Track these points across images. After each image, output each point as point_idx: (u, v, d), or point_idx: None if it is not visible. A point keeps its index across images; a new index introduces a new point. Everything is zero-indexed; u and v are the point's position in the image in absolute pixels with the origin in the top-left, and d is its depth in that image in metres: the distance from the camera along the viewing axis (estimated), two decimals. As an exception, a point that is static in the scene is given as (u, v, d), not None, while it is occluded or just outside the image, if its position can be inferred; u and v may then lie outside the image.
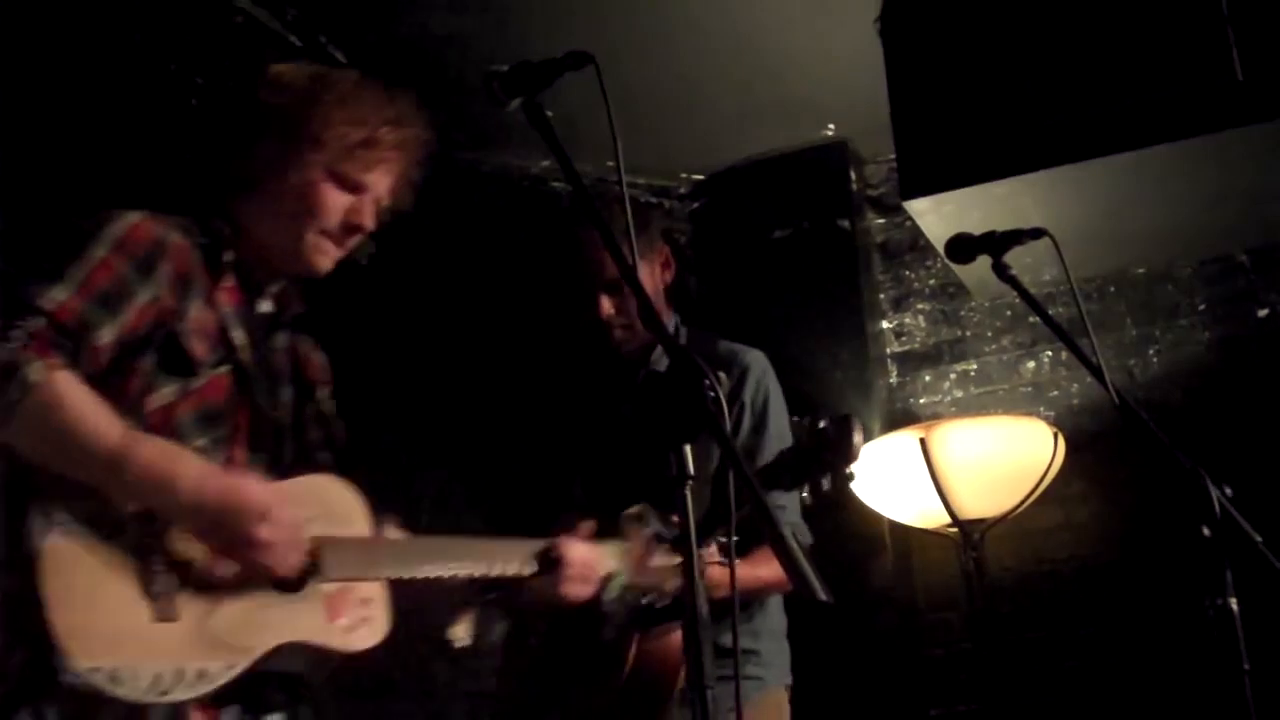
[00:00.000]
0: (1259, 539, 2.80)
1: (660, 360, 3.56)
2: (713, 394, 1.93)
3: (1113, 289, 5.39)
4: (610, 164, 2.20)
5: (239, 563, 2.37)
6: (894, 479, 4.85)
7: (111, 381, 2.41)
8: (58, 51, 4.03)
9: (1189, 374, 5.21)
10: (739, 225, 5.84)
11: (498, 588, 2.89)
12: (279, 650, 2.42)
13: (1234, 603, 2.72)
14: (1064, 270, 3.07)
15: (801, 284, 5.63)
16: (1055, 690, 5.00)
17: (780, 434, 3.48)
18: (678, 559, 2.95)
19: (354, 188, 2.69)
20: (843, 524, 5.03)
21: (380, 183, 2.74)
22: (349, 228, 2.70)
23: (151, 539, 2.33)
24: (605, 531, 3.01)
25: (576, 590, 2.88)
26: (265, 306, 2.72)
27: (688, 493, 1.88)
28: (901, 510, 4.95)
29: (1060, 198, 4.64)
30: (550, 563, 2.85)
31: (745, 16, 4.87)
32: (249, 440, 2.57)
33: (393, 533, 2.74)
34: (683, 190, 5.95)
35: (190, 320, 2.51)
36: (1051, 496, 4.92)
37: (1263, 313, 5.17)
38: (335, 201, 2.67)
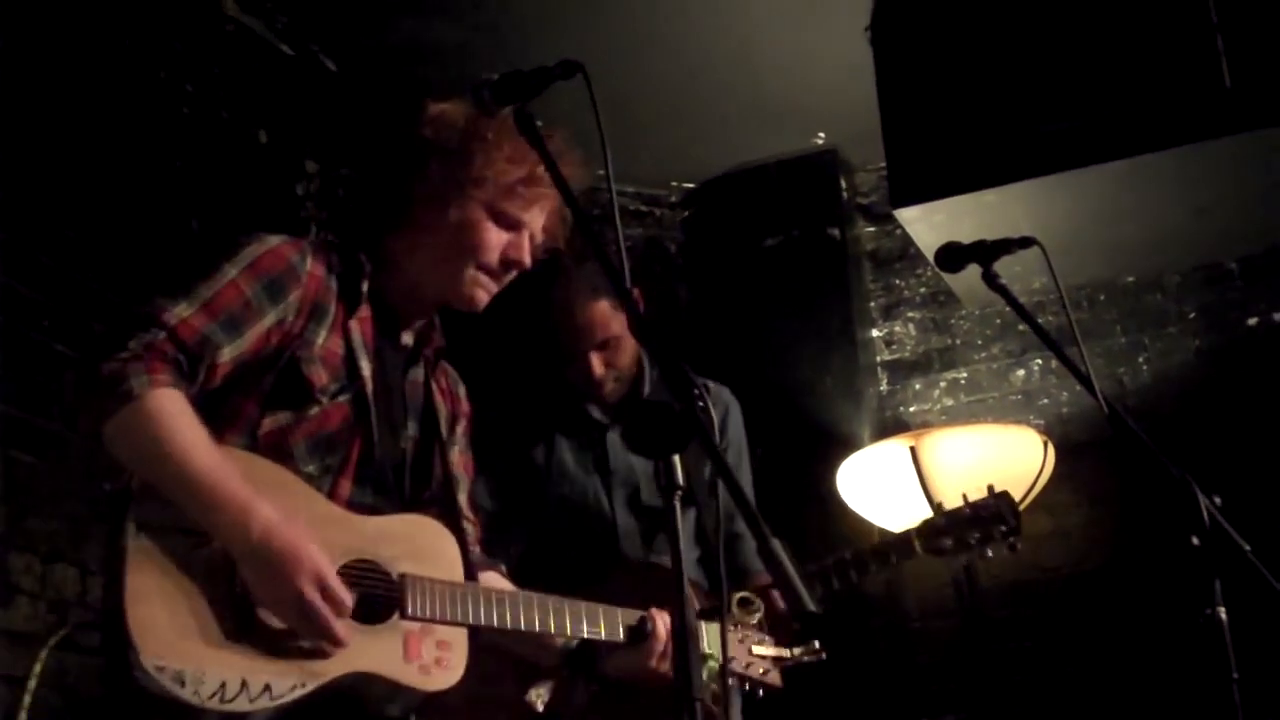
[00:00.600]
0: (1248, 548, 2.80)
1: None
2: (701, 404, 1.93)
3: (1102, 297, 5.40)
4: (601, 172, 2.20)
5: (281, 617, 2.35)
6: (884, 487, 4.85)
7: (231, 399, 2.47)
8: (48, 58, 4.03)
9: (1178, 382, 5.21)
10: (730, 233, 5.84)
11: (583, 657, 2.87)
12: (351, 679, 2.41)
13: (1223, 612, 2.72)
14: (1054, 279, 3.07)
15: (792, 292, 5.64)
16: (1046, 699, 5.00)
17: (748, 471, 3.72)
18: (782, 652, 3.02)
19: (512, 225, 2.72)
20: (833, 533, 5.03)
21: (537, 220, 2.76)
22: (507, 263, 2.73)
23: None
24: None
25: (664, 666, 2.83)
26: (407, 339, 2.76)
27: (676, 503, 1.88)
28: (892, 518, 4.95)
29: (1050, 206, 4.65)
30: (642, 635, 2.82)
31: (736, 25, 4.88)
32: (356, 472, 2.58)
33: (492, 581, 2.76)
34: (673, 198, 5.96)
35: (317, 348, 2.55)
36: (1041, 505, 4.92)
37: (1252, 321, 5.18)
38: (495, 239, 2.70)
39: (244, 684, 2.27)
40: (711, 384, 3.72)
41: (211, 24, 4.66)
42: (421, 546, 2.57)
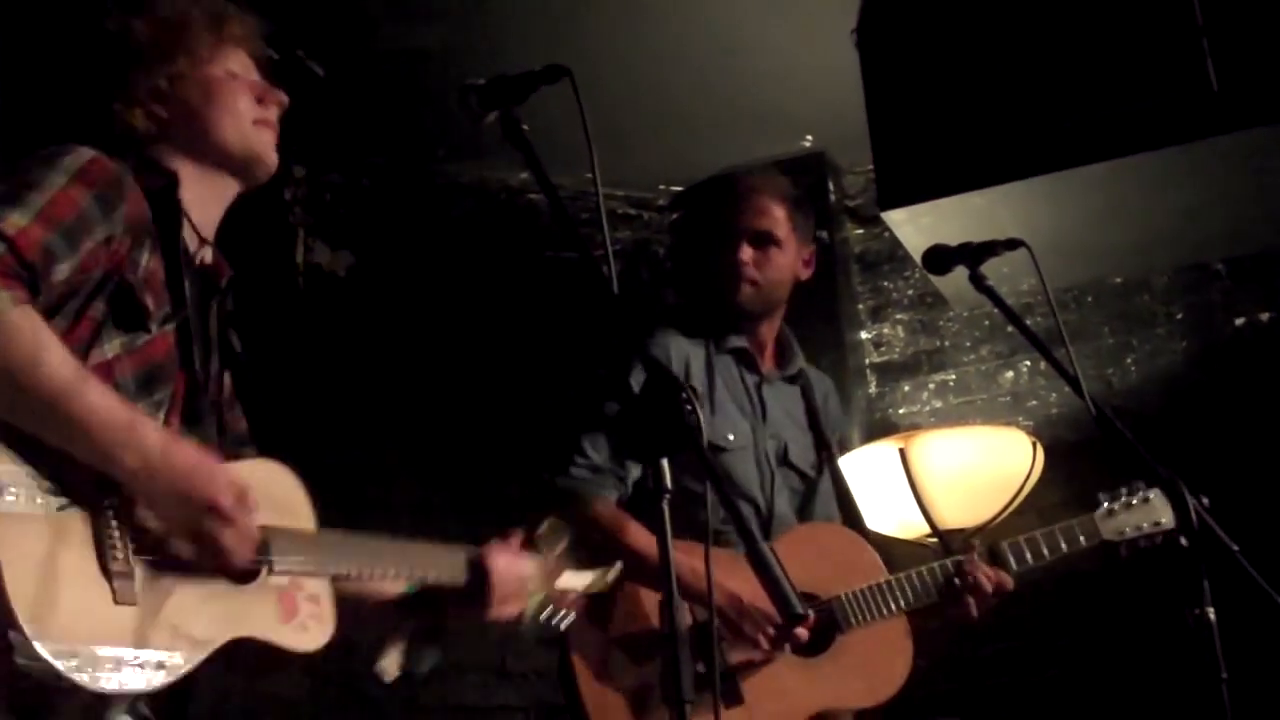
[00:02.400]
0: (1236, 548, 2.81)
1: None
2: (690, 408, 1.93)
3: (1090, 299, 5.40)
4: (589, 176, 2.20)
5: (193, 542, 2.19)
6: (873, 490, 4.86)
7: (57, 326, 2.21)
8: (33, 63, 4.02)
9: (1166, 383, 5.22)
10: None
11: (421, 608, 2.71)
12: (231, 648, 2.25)
13: (1211, 612, 2.73)
14: (1041, 280, 3.08)
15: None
16: (1035, 700, 5.01)
17: None
18: (587, 578, 2.91)
19: (234, 73, 2.62)
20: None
21: (240, 66, 2.65)
22: (269, 99, 2.64)
23: (108, 509, 2.15)
24: None
25: (503, 610, 2.73)
26: (205, 257, 2.58)
27: (665, 506, 1.88)
28: (881, 521, 4.95)
29: (1037, 208, 4.65)
30: (479, 574, 2.68)
31: (723, 29, 4.88)
32: (183, 410, 2.41)
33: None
34: (661, 202, 5.96)
35: (142, 270, 2.35)
36: (1031, 506, 4.92)
37: (1239, 321, 5.18)
38: (241, 95, 2.60)
39: (140, 662, 2.10)
40: (813, 370, 3.86)
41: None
42: (275, 495, 2.40)
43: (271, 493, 2.39)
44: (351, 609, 2.50)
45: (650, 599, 3.21)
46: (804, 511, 3.67)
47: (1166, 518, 3.46)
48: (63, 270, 2.21)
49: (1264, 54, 4.17)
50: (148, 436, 2.17)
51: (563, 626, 2.91)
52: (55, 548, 2.06)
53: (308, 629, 2.37)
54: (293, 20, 4.74)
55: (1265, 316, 5.16)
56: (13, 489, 2.05)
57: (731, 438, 3.57)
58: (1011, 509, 4.87)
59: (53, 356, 2.12)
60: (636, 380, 2.90)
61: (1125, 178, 4.51)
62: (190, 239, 2.52)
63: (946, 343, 5.62)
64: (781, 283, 3.69)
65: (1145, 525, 3.53)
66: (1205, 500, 2.95)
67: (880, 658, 3.51)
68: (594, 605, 2.78)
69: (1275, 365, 5.00)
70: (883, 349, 5.71)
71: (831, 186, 5.76)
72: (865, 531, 3.67)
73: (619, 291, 2.18)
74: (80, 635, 2.04)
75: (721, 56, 5.03)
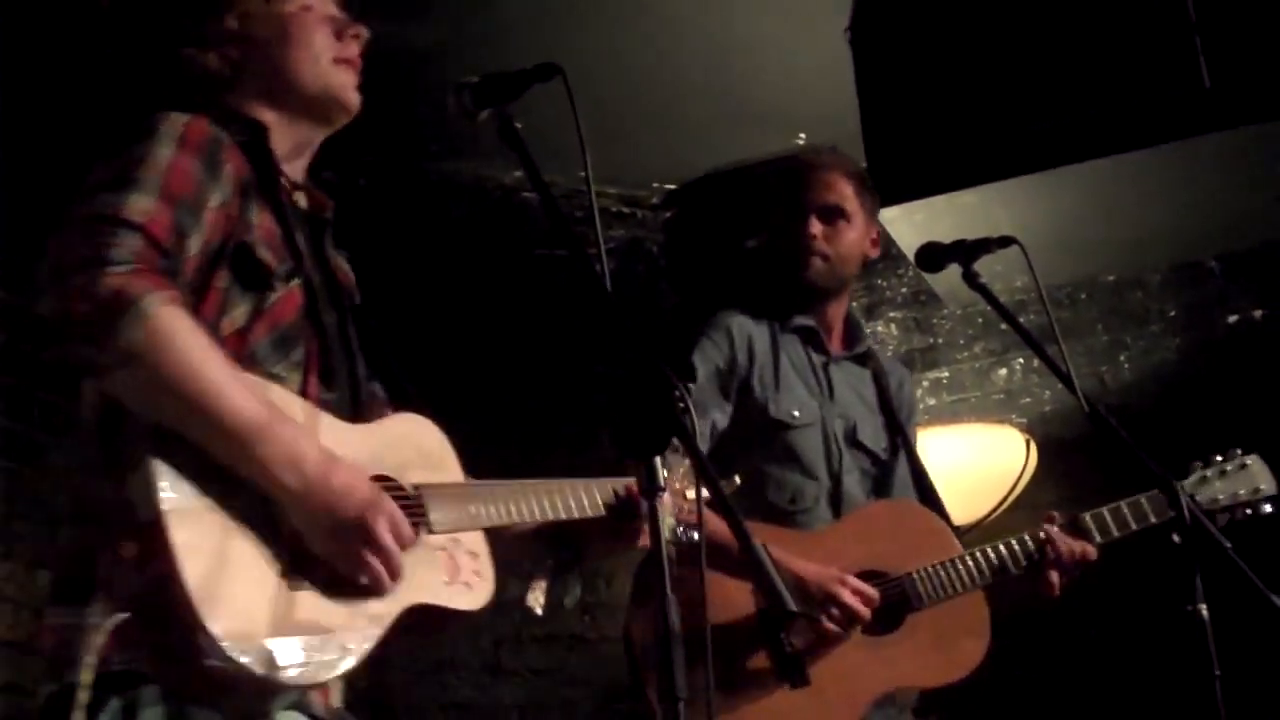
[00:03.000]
0: (1229, 545, 2.82)
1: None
2: (682, 404, 1.93)
3: (1083, 296, 5.41)
4: (582, 174, 2.20)
5: (345, 564, 2.10)
6: (867, 487, 4.86)
7: (189, 302, 2.10)
8: (30, 81, 4.02)
9: (1160, 380, 5.22)
10: (711, 234, 5.84)
11: (567, 544, 2.59)
12: (404, 617, 2.17)
13: (1204, 609, 2.73)
14: (1034, 278, 3.08)
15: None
16: (1027, 697, 5.01)
17: None
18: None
19: (310, 7, 2.48)
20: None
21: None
22: (350, 35, 2.50)
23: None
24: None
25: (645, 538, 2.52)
26: (301, 203, 2.47)
27: (658, 504, 1.88)
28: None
29: (1030, 205, 4.65)
30: (625, 505, 2.54)
31: (716, 27, 4.89)
32: (320, 370, 2.29)
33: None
34: (655, 200, 5.96)
35: (256, 228, 2.24)
36: (1024, 503, 4.92)
37: (1233, 318, 5.19)
38: (319, 32, 2.46)
39: (323, 648, 2.04)
40: (886, 358, 3.87)
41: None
42: (423, 449, 2.34)
43: (420, 447, 2.33)
44: (493, 544, 2.41)
45: (726, 583, 3.04)
46: (878, 494, 3.62)
47: (1266, 483, 3.37)
48: (193, 245, 2.13)
49: (1256, 51, 4.17)
50: (307, 456, 2.07)
51: (695, 536, 2.81)
52: (226, 540, 2.00)
53: (472, 587, 2.28)
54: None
55: (1259, 313, 5.16)
56: (173, 485, 1.99)
57: (797, 414, 3.54)
58: (1005, 506, 4.87)
59: (219, 372, 2.02)
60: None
61: (1118, 175, 4.51)
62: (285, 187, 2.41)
63: (940, 340, 5.62)
64: (851, 258, 3.67)
65: (1243, 492, 3.40)
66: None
67: (954, 637, 3.42)
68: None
69: (1269, 362, 5.00)
70: (876, 347, 5.70)
71: (825, 184, 5.76)
72: (944, 514, 3.60)
73: (612, 289, 2.17)
74: (266, 630, 1.98)
75: (715, 55, 5.03)
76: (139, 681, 1.99)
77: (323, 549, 2.09)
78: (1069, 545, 3.41)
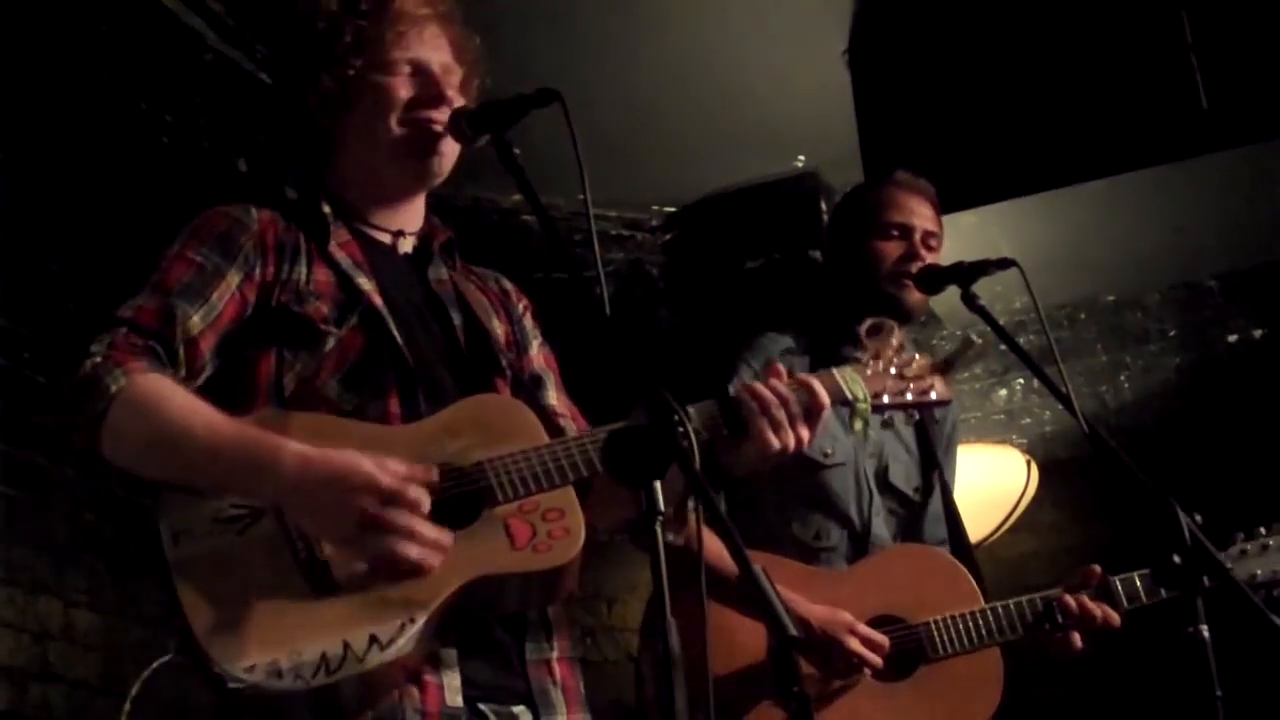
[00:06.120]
0: (1229, 566, 2.81)
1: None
2: (682, 429, 1.92)
3: (1083, 316, 5.41)
4: (581, 198, 2.21)
5: (360, 553, 2.11)
6: (868, 508, 4.85)
7: (243, 377, 2.30)
8: (27, 92, 4.03)
9: (1160, 400, 5.23)
10: (711, 256, 5.85)
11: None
12: (465, 593, 2.16)
13: (1205, 630, 2.73)
14: (1033, 299, 3.08)
15: (773, 314, 5.64)
16: (1029, 718, 5.00)
17: None
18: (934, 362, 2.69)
19: (408, 68, 2.52)
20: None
21: (431, 51, 2.55)
22: (423, 101, 2.51)
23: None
24: None
25: (787, 437, 2.37)
26: (406, 248, 2.57)
27: (658, 529, 1.88)
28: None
29: (1029, 226, 4.66)
30: (733, 411, 2.37)
31: (715, 50, 4.90)
32: (400, 389, 2.34)
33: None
34: (654, 222, 5.96)
35: (303, 285, 2.37)
36: (1025, 524, 4.93)
37: (1232, 338, 5.19)
38: (400, 87, 2.50)
39: (346, 646, 2.07)
40: None
41: (191, 54, 4.66)
42: (491, 424, 2.32)
43: (483, 424, 2.32)
44: (596, 500, 2.39)
45: (734, 625, 3.03)
46: (906, 536, 3.53)
47: None
48: (197, 323, 2.28)
49: (1253, 73, 4.19)
50: (283, 460, 2.12)
51: (934, 396, 2.67)
52: (237, 571, 2.11)
53: (551, 546, 2.23)
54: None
55: (1258, 333, 5.17)
56: (186, 531, 2.14)
57: (830, 452, 3.44)
58: (1006, 527, 4.87)
59: (179, 413, 2.17)
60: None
61: (1117, 196, 4.53)
62: (381, 236, 2.53)
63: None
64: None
65: None
66: (1198, 518, 2.95)
67: (964, 691, 3.32)
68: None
69: (1268, 381, 5.01)
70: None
71: (824, 206, 5.76)
72: (971, 558, 3.51)
73: (611, 312, 2.17)
74: (277, 643, 2.06)
75: (714, 77, 5.04)
76: None
77: (332, 539, 2.13)
78: (1091, 607, 3.33)
